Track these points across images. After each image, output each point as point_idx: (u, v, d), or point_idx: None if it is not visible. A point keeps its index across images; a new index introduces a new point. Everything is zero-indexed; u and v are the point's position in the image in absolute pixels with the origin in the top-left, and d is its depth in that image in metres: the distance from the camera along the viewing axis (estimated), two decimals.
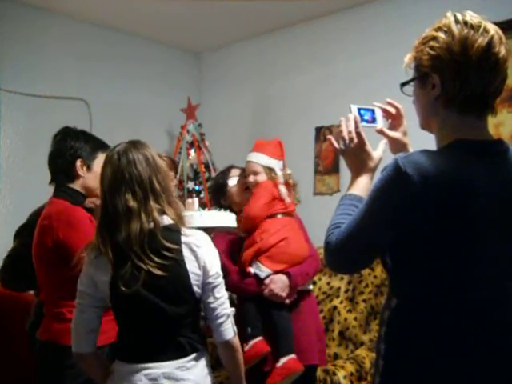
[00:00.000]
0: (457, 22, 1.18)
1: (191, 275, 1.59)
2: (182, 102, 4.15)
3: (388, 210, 1.17)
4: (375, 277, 3.15)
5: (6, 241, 3.36)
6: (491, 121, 3.68)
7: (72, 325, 1.65)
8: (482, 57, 1.15)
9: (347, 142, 1.34)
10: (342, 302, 3.17)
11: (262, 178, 2.39)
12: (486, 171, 1.15)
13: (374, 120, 1.42)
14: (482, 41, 1.15)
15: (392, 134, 1.41)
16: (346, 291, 3.19)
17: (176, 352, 1.59)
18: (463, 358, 1.15)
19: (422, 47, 1.22)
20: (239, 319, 2.25)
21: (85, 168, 2.07)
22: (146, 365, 1.57)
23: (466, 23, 1.17)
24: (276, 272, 2.23)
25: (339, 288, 3.21)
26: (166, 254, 1.56)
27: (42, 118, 3.56)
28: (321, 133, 3.86)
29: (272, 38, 4.21)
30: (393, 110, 1.44)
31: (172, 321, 1.60)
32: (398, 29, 3.47)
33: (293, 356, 2.16)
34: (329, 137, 1.41)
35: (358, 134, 1.33)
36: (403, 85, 1.29)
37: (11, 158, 3.44)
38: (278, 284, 2.21)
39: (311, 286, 2.46)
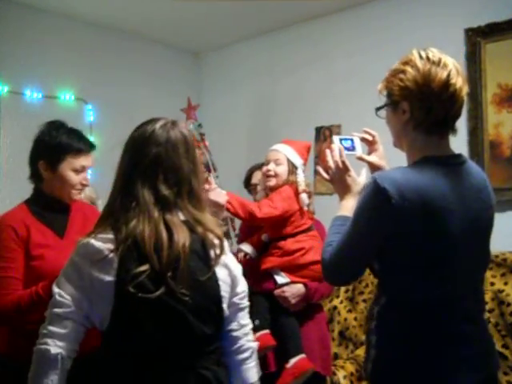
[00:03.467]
0: (421, 57, 1.37)
1: (222, 285, 1.33)
2: (182, 102, 4.15)
3: (372, 223, 1.33)
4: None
5: None
6: (491, 121, 3.69)
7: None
8: (443, 88, 1.34)
9: (334, 170, 1.54)
10: (341, 302, 3.17)
11: (283, 169, 2.26)
12: (450, 181, 1.35)
13: (353, 148, 1.62)
14: (441, 74, 1.34)
15: (370, 158, 1.61)
16: (346, 291, 3.19)
17: None
18: (440, 345, 1.34)
19: (393, 79, 1.41)
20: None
21: (49, 170, 1.83)
22: None
23: (428, 59, 1.36)
24: (294, 282, 2.22)
25: (339, 288, 3.21)
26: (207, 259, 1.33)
27: (42, 118, 3.54)
28: (321, 133, 3.86)
29: (272, 38, 4.21)
30: (369, 137, 1.63)
31: (196, 342, 1.30)
32: (399, 29, 3.47)
33: (303, 356, 2.13)
34: (318, 168, 1.59)
35: (343, 163, 1.53)
36: (378, 109, 1.47)
37: (11, 157, 3.44)
38: (293, 290, 2.20)
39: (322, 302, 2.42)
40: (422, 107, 1.35)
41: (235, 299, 1.38)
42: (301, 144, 2.37)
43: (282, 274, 2.23)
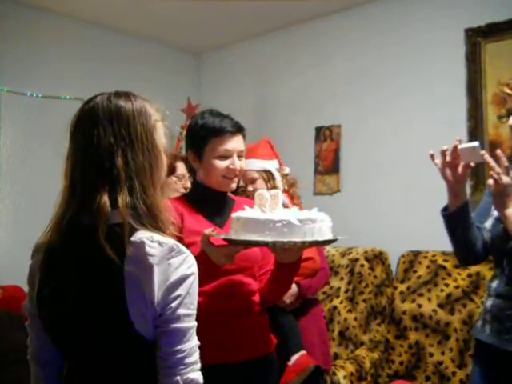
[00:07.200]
0: None
1: (130, 303, 1.02)
2: (182, 102, 4.15)
3: None
4: (375, 277, 3.15)
5: (7, 241, 3.37)
6: (491, 121, 3.68)
7: None
8: None
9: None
10: (342, 302, 3.16)
11: (260, 184, 2.35)
12: None
13: None
14: None
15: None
16: (346, 291, 3.18)
17: None
18: None
19: None
20: None
21: (196, 160, 1.74)
22: None
23: None
24: None
25: (339, 288, 3.21)
26: (102, 266, 1.03)
27: (41, 118, 3.57)
28: (321, 133, 3.86)
29: (272, 38, 4.21)
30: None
31: (93, 369, 1.09)
32: (399, 28, 3.47)
33: (303, 352, 2.15)
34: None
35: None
36: None
37: (11, 158, 3.44)
38: None
39: (317, 296, 2.45)
40: None
41: (160, 318, 1.11)
42: (259, 147, 2.44)
43: None
